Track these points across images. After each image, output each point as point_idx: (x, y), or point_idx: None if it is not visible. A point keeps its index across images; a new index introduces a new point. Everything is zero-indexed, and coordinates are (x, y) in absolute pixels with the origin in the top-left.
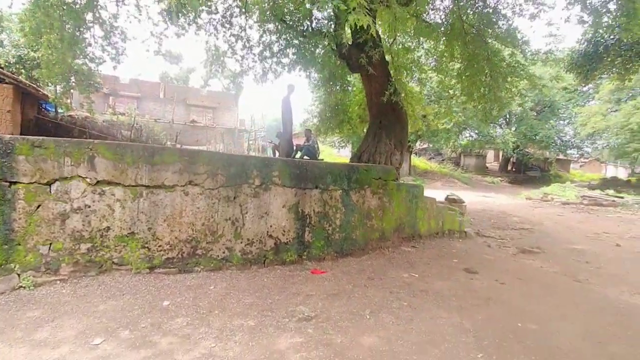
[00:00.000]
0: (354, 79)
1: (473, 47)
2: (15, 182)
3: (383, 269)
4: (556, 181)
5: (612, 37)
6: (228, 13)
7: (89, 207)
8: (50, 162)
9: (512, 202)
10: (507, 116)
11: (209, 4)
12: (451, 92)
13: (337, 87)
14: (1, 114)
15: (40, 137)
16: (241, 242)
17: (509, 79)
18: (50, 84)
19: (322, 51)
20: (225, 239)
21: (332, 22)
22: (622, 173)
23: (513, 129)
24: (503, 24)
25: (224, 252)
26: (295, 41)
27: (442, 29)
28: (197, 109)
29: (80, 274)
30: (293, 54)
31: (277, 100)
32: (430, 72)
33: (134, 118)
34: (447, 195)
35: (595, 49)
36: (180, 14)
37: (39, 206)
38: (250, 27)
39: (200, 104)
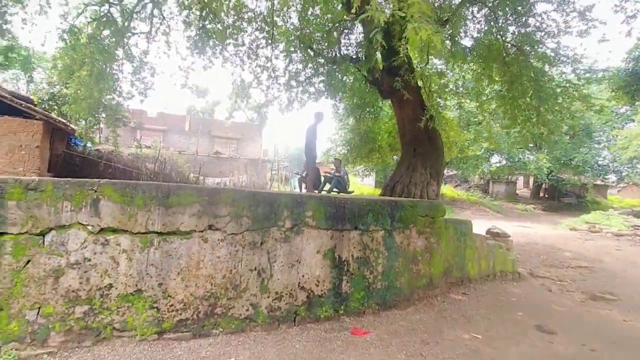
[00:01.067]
0: (384, 105)
1: (516, 67)
2: (1, 234)
3: (437, 327)
4: (593, 208)
5: None
6: (254, 44)
7: (89, 260)
8: (45, 207)
9: (555, 233)
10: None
11: (235, 37)
12: (482, 116)
13: (367, 114)
14: (30, 149)
15: (37, 178)
16: (268, 297)
17: (559, 100)
18: (80, 119)
19: (352, 77)
20: (249, 293)
21: (361, 48)
22: None
23: (545, 153)
24: (549, 42)
25: (247, 310)
26: (322, 69)
27: (479, 50)
28: (221, 140)
29: (72, 345)
30: (320, 81)
31: (302, 129)
32: (465, 96)
33: (159, 151)
34: (489, 229)
35: None
36: (207, 47)
37: (28, 262)
38: (277, 57)
39: (225, 135)
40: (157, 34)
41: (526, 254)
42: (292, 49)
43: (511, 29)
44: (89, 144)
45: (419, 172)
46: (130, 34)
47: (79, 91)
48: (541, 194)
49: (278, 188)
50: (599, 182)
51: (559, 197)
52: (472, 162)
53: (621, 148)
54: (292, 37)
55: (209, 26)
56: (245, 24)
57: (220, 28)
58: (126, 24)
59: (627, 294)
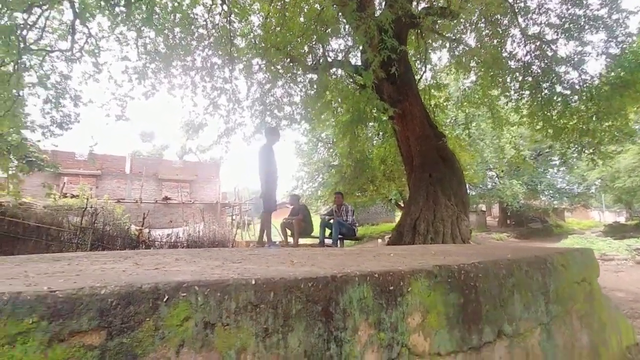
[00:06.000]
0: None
1: (538, 69)
2: None
3: None
4: (558, 231)
5: None
6: (208, 63)
7: None
8: None
9: None
10: (499, 167)
11: (184, 58)
12: (498, 132)
13: (367, 133)
14: None
15: None
16: None
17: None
18: None
19: (338, 88)
20: None
21: (353, 49)
22: (610, 218)
23: (512, 180)
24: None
25: None
26: (295, 87)
27: (487, 56)
28: (171, 184)
29: None
30: (294, 103)
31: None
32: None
33: (87, 200)
34: None
35: None
36: (149, 70)
37: None
38: (236, 78)
39: (175, 177)
40: (81, 53)
41: None
42: (257, 64)
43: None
44: None
45: (443, 204)
46: (39, 51)
47: None
48: (508, 222)
49: (241, 236)
50: (556, 206)
51: (527, 223)
52: None
53: (588, 169)
54: (254, 52)
55: (149, 46)
56: (195, 43)
57: (164, 48)
58: (24, 35)
59: None
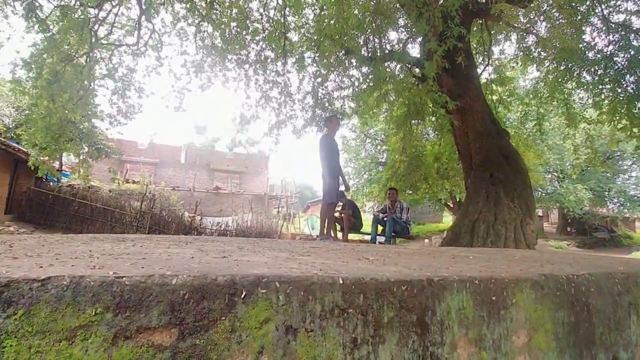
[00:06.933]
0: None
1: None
2: None
3: None
4: (626, 242)
5: None
6: (261, 56)
7: None
8: None
9: None
10: (560, 169)
11: (238, 52)
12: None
13: (421, 128)
14: None
15: None
16: None
17: None
18: (35, 145)
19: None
20: None
21: (411, 38)
22: None
23: (577, 185)
24: None
25: None
26: (348, 79)
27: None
28: (221, 174)
29: None
30: (346, 96)
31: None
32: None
33: (146, 186)
34: None
35: None
36: (205, 64)
37: None
38: (289, 72)
39: (226, 168)
40: (146, 48)
41: None
42: (309, 57)
43: None
44: (65, 178)
45: (506, 206)
46: (109, 45)
47: (33, 107)
48: (568, 229)
49: (287, 228)
50: (627, 215)
51: (591, 231)
52: None
53: None
54: (307, 45)
55: (207, 41)
56: (249, 37)
57: (221, 42)
58: (95, 30)
59: None
